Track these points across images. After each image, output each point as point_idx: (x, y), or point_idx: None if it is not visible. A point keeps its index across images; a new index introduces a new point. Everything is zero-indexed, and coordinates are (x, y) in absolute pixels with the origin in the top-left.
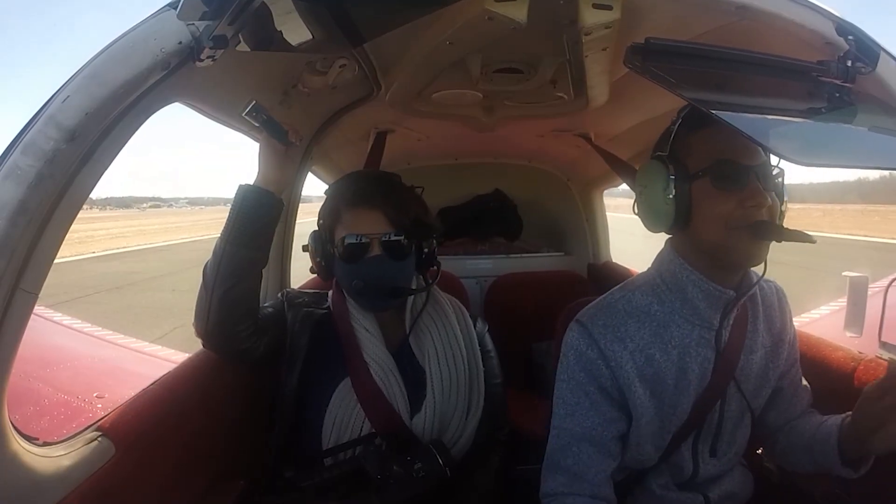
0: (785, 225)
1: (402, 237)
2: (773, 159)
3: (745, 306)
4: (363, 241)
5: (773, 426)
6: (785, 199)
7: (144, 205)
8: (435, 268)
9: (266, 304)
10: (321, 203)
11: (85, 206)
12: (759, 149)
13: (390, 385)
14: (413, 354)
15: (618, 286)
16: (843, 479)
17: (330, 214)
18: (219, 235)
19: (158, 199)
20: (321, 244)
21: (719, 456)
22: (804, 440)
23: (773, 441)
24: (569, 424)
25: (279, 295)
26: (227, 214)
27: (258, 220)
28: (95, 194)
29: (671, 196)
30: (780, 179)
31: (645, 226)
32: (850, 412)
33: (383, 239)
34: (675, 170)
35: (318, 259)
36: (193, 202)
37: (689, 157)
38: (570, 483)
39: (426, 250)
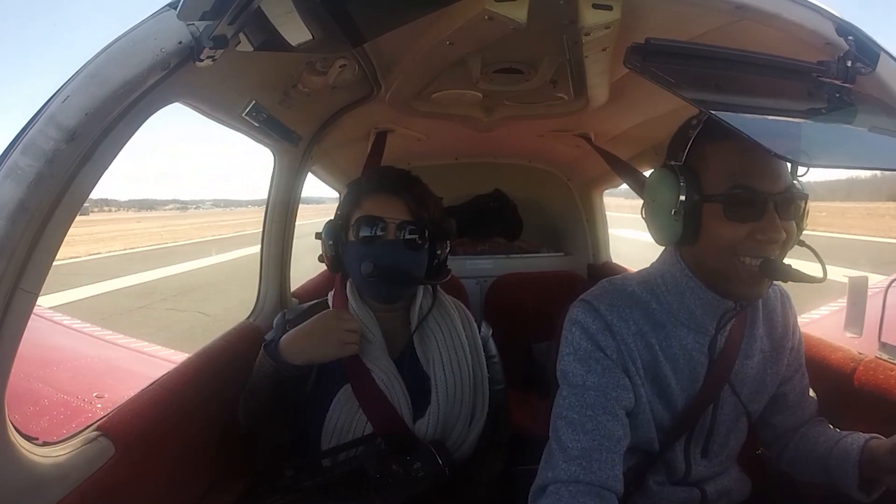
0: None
1: (420, 228)
2: (799, 181)
3: (744, 312)
4: (380, 223)
5: (780, 430)
6: (805, 222)
7: (169, 206)
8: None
9: None
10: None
11: (112, 209)
12: (783, 172)
13: (393, 390)
14: (417, 359)
15: (619, 276)
16: None
17: (349, 203)
18: (248, 394)
19: (178, 201)
20: (335, 231)
21: (710, 457)
22: (817, 452)
23: (780, 446)
24: (581, 384)
25: (276, 322)
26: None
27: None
28: (120, 196)
29: (681, 215)
30: (802, 204)
31: (651, 236)
32: (874, 434)
33: (401, 226)
34: (687, 185)
35: (330, 244)
36: (217, 204)
37: (704, 171)
38: (579, 471)
39: (439, 253)
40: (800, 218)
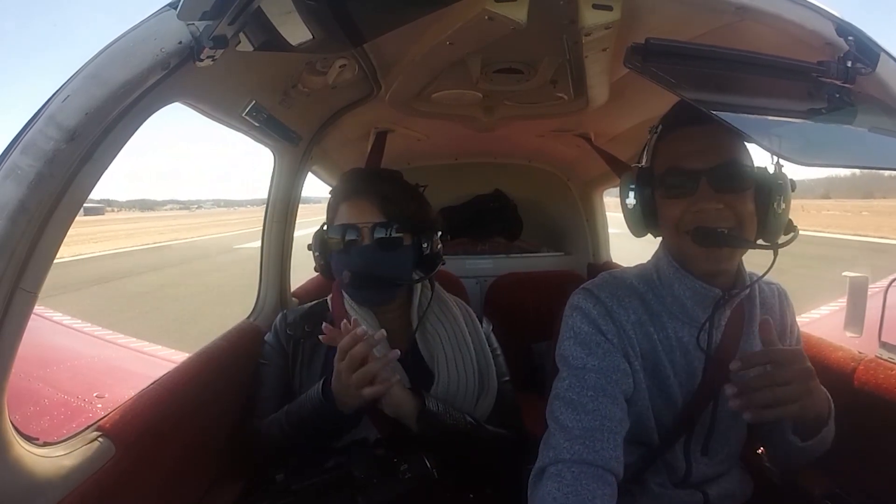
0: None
1: (393, 227)
2: (752, 155)
3: (741, 308)
4: (352, 230)
5: (780, 428)
6: (780, 195)
7: (168, 206)
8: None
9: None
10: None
11: (113, 209)
12: (719, 150)
13: None
14: (421, 357)
15: (618, 269)
16: (843, 478)
17: (330, 210)
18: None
19: (176, 201)
20: (321, 240)
21: (711, 455)
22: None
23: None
24: (582, 366)
25: (275, 324)
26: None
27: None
28: (121, 197)
29: (634, 203)
30: (746, 177)
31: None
32: None
33: (373, 228)
34: (639, 178)
35: (317, 255)
36: (218, 203)
37: (657, 167)
38: (583, 450)
39: (425, 245)
40: (767, 190)
